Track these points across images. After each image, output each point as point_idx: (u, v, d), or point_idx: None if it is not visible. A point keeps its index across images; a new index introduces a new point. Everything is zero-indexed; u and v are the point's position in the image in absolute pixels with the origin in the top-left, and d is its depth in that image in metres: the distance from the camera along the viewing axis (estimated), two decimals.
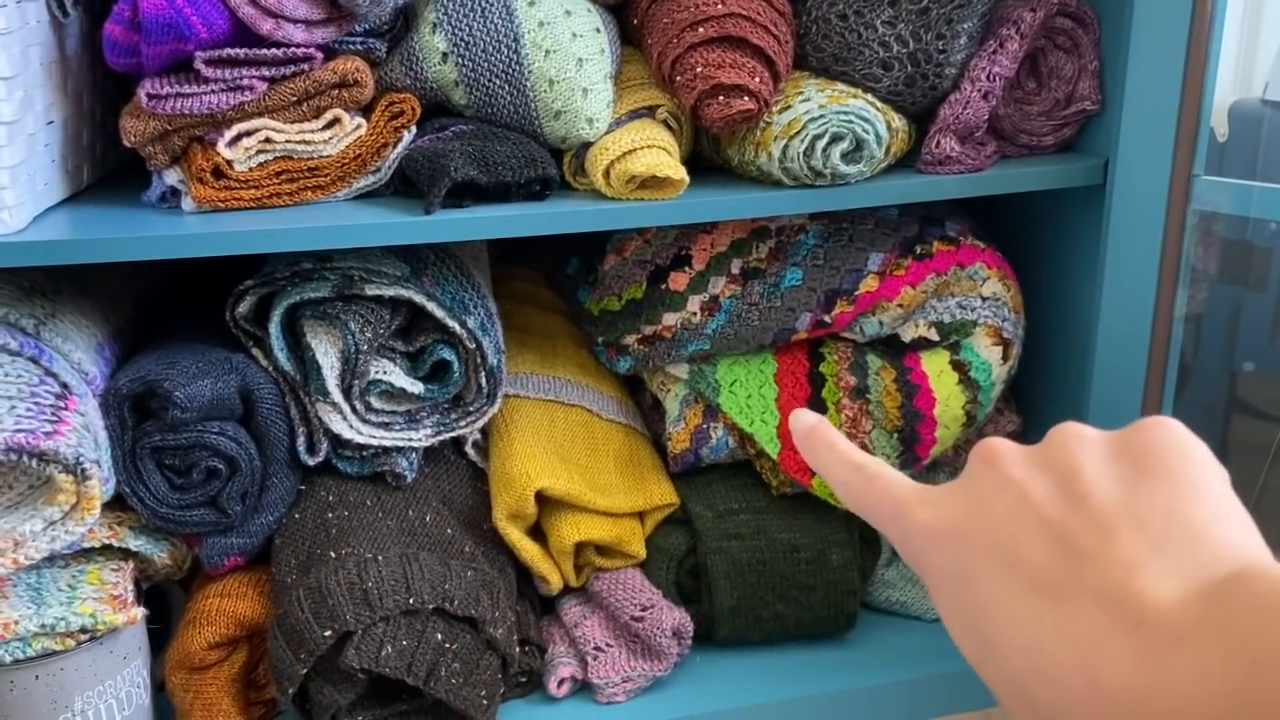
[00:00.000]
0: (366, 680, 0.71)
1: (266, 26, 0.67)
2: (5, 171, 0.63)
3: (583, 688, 0.82)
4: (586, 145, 0.76)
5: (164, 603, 0.81)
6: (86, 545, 0.72)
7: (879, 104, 0.76)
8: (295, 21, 0.68)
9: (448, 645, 0.72)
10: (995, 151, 0.81)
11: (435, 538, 0.78)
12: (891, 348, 0.86)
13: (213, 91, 0.68)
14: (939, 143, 0.78)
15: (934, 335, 0.84)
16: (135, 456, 0.72)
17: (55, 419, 0.65)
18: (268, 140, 0.70)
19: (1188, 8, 0.77)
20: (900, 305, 0.83)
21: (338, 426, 0.76)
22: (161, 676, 0.76)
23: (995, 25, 0.79)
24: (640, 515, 0.86)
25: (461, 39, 0.75)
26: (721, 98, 0.73)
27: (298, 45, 0.69)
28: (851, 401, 0.83)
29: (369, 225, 0.69)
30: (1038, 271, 0.89)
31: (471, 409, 0.80)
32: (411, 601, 0.71)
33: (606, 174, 0.73)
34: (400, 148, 0.74)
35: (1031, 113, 0.82)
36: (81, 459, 0.64)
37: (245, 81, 0.68)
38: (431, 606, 0.72)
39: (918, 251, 0.83)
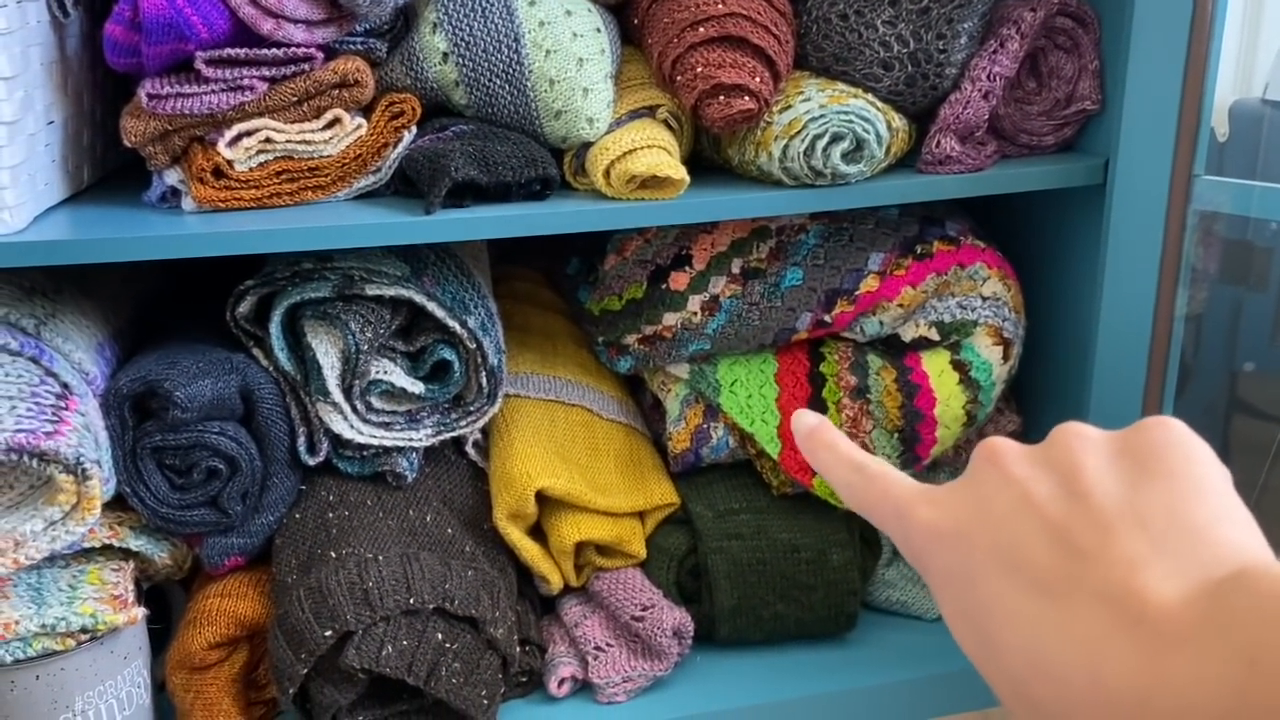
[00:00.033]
0: (367, 680, 0.71)
1: (267, 26, 0.67)
2: (6, 171, 0.63)
3: (583, 687, 0.82)
4: (587, 145, 0.76)
5: (164, 603, 0.81)
6: (87, 545, 0.72)
7: (879, 104, 0.76)
8: (296, 21, 0.68)
9: (448, 645, 0.72)
10: (995, 151, 0.81)
11: (436, 537, 0.78)
12: (892, 347, 0.86)
13: (213, 91, 0.68)
14: (939, 142, 0.78)
15: (934, 335, 0.84)
16: (136, 456, 0.72)
17: (56, 419, 0.65)
18: (268, 140, 0.70)
19: (1188, 7, 0.77)
20: (901, 305, 0.83)
21: (338, 426, 0.77)
22: (162, 676, 0.76)
23: (995, 25, 0.79)
24: (641, 515, 0.86)
25: (462, 39, 0.75)
26: (722, 97, 0.73)
27: (298, 45, 0.69)
28: (852, 401, 0.83)
29: (369, 225, 0.69)
30: (1038, 271, 0.89)
31: (472, 409, 0.80)
32: (412, 601, 0.71)
33: (607, 174, 0.73)
34: (401, 148, 0.74)
35: (1032, 112, 0.82)
36: (82, 459, 0.64)
37: (246, 81, 0.68)
38: (432, 606, 0.72)
39: (918, 251, 0.83)
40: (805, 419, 0.39)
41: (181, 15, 0.64)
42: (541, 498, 0.81)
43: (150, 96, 0.67)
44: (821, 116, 0.73)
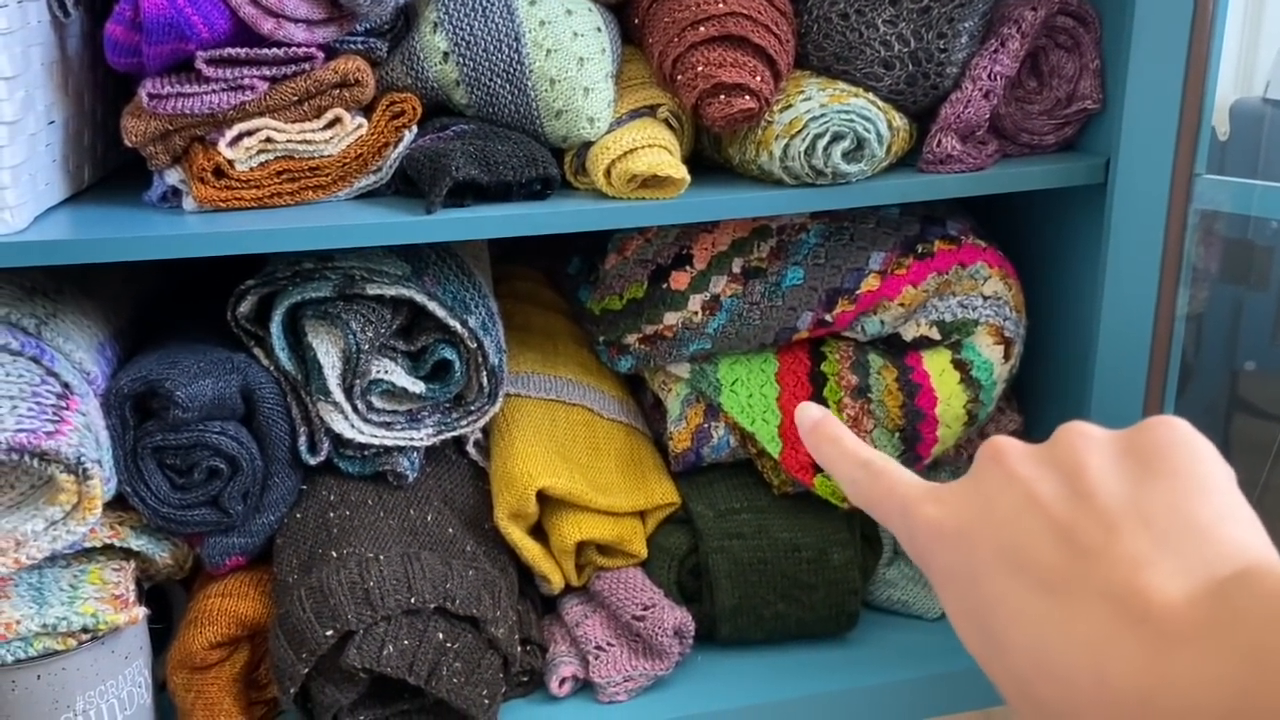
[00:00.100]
0: (368, 680, 0.71)
1: (267, 26, 0.67)
2: (7, 171, 0.63)
3: (584, 687, 0.82)
4: (587, 144, 0.76)
5: (165, 602, 0.81)
6: (88, 545, 0.72)
7: (880, 103, 0.76)
8: (296, 21, 0.68)
9: (449, 645, 0.72)
10: (996, 150, 0.81)
11: (437, 537, 0.78)
12: (893, 347, 0.86)
13: (214, 91, 0.68)
14: (940, 142, 0.78)
15: (935, 334, 0.84)
16: (137, 456, 0.72)
17: (57, 419, 0.65)
18: (269, 140, 0.70)
19: (1189, 7, 0.77)
20: (902, 304, 0.83)
21: (339, 426, 0.77)
22: (163, 676, 0.76)
23: (996, 24, 0.79)
24: (641, 514, 0.86)
25: (462, 38, 0.74)
26: (723, 97, 0.73)
27: (299, 45, 0.69)
28: (853, 400, 0.83)
29: (370, 225, 0.69)
30: (1039, 270, 0.89)
31: (473, 408, 0.80)
32: (413, 601, 0.71)
33: (608, 173, 0.73)
34: (401, 147, 0.74)
35: (1033, 111, 0.82)
36: (83, 459, 0.64)
37: (246, 81, 0.68)
38: (433, 606, 0.72)
39: (919, 250, 0.83)
40: (810, 413, 0.39)
41: (182, 15, 0.64)
42: (542, 497, 0.81)
43: (151, 96, 0.67)
44: (822, 115, 0.73)
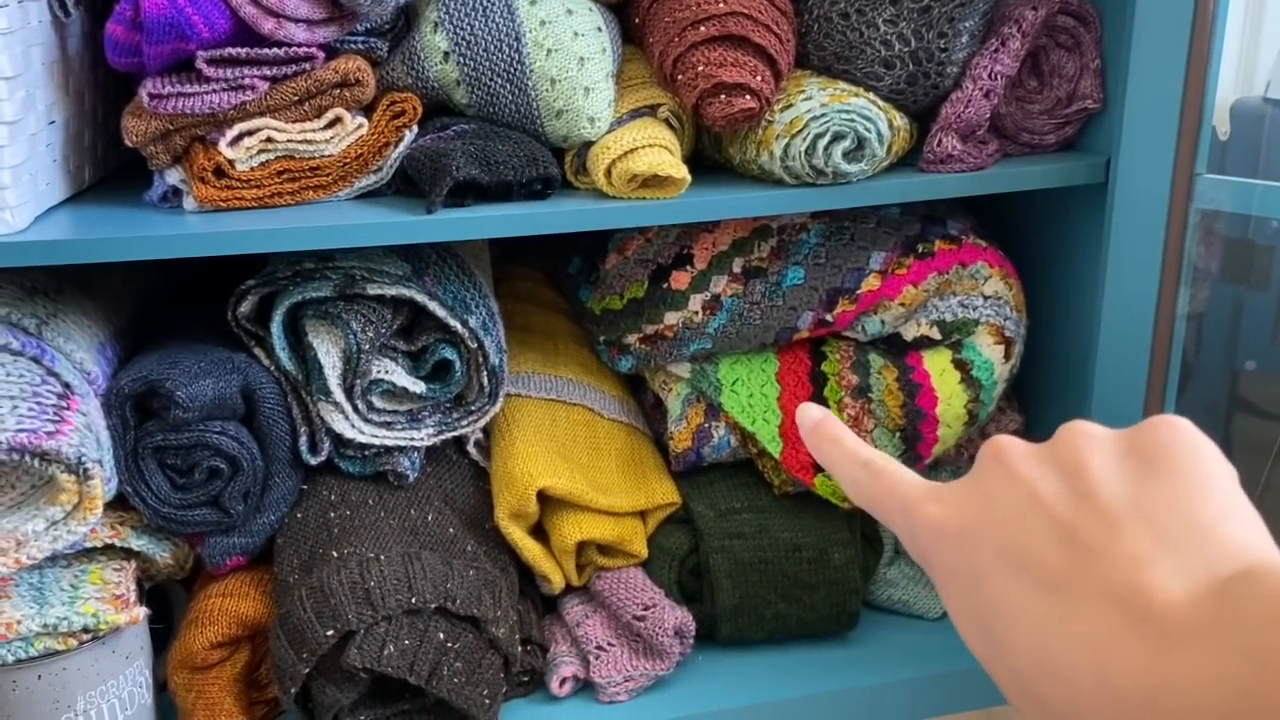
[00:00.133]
0: (369, 680, 0.71)
1: (268, 26, 0.67)
2: (7, 171, 0.63)
3: (585, 687, 0.82)
4: (588, 144, 0.76)
5: (166, 602, 0.81)
6: (89, 545, 0.72)
7: (881, 102, 0.76)
8: (297, 21, 0.68)
9: (450, 644, 0.72)
10: (997, 150, 0.81)
11: (437, 537, 0.78)
12: (893, 346, 0.86)
13: (214, 91, 0.68)
14: (941, 141, 0.78)
15: (936, 334, 0.84)
16: (137, 456, 0.72)
17: (57, 419, 0.65)
18: (269, 140, 0.70)
19: (1189, 6, 0.77)
20: (902, 304, 0.83)
21: (340, 426, 0.77)
22: (164, 676, 0.76)
23: (997, 23, 0.79)
24: (642, 514, 0.86)
25: (463, 38, 0.74)
26: (723, 96, 0.73)
27: (299, 45, 0.69)
28: (853, 400, 0.83)
29: (371, 225, 0.69)
30: (1040, 270, 0.89)
31: (473, 408, 0.80)
32: (414, 601, 0.71)
33: (608, 173, 0.73)
34: (402, 147, 0.74)
35: (1033, 111, 0.82)
36: (84, 459, 0.64)
37: (247, 81, 0.68)
38: (434, 606, 0.72)
39: (919, 250, 0.83)
40: (810, 413, 0.39)
41: (183, 15, 0.64)
42: (543, 497, 0.81)
43: (151, 96, 0.67)
44: (823, 115, 0.73)
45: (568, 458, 0.83)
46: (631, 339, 0.86)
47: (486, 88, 0.75)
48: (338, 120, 0.71)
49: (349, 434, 0.77)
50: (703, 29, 0.73)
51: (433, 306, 0.76)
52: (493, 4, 0.74)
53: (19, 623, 0.65)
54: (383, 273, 0.75)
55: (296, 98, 0.70)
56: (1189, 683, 0.24)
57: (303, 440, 0.77)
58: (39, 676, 0.66)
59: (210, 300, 0.80)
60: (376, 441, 0.78)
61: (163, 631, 0.79)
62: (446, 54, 0.75)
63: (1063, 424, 0.32)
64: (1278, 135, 1.36)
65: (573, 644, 0.83)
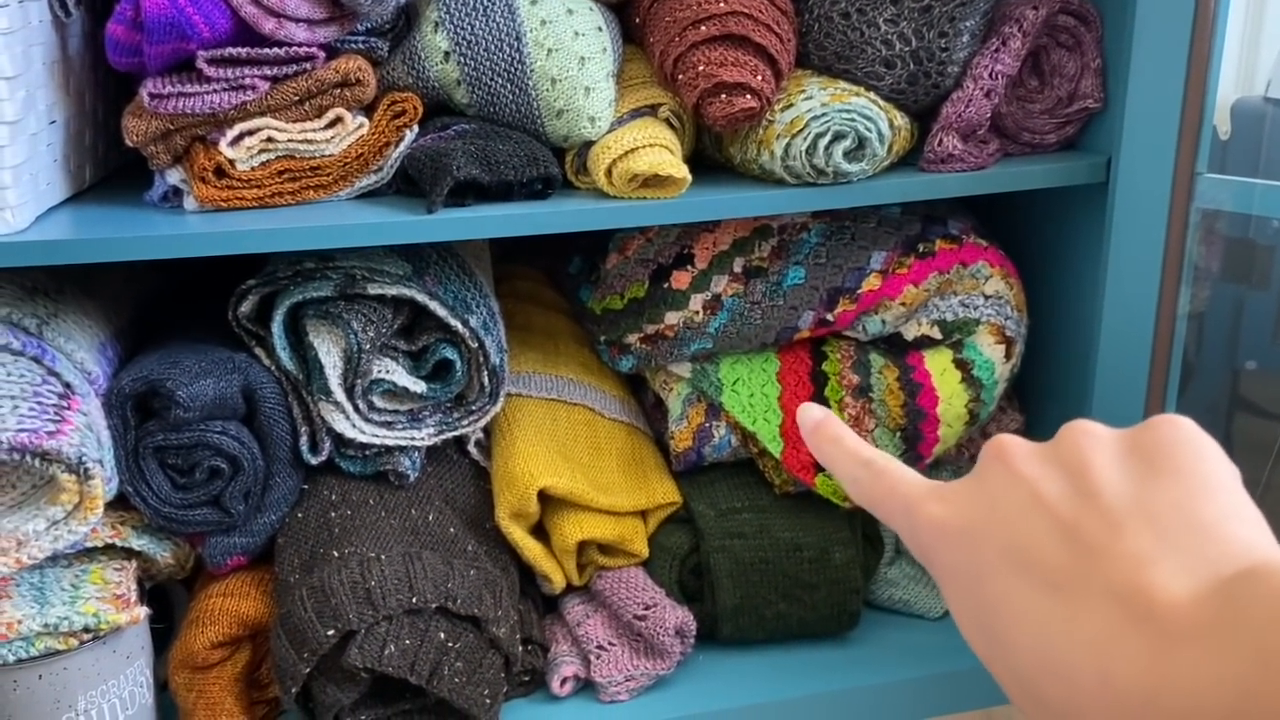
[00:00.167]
0: (369, 679, 0.71)
1: (269, 26, 0.67)
2: (8, 171, 0.63)
3: (586, 686, 0.82)
4: (589, 144, 0.76)
5: (167, 602, 0.81)
6: (89, 545, 0.72)
7: (881, 102, 0.76)
8: (297, 21, 0.68)
9: (451, 644, 0.72)
10: (998, 150, 0.81)
11: (438, 537, 0.78)
12: (894, 346, 0.86)
13: (215, 91, 0.68)
14: (941, 141, 0.78)
15: (937, 334, 0.84)
16: (138, 456, 0.72)
17: (58, 419, 0.65)
18: (270, 139, 0.70)
19: (1190, 5, 0.77)
20: (903, 304, 0.83)
21: (340, 425, 0.77)
22: (164, 676, 0.76)
23: (997, 23, 0.79)
24: (643, 514, 0.86)
25: (464, 38, 0.74)
26: (724, 96, 0.73)
27: (300, 44, 0.69)
28: (854, 400, 0.83)
29: (371, 224, 0.69)
30: (1040, 270, 0.89)
31: (474, 408, 0.80)
32: (414, 600, 0.71)
33: (609, 173, 0.73)
34: (402, 147, 0.74)
35: (1034, 110, 0.82)
36: (84, 459, 0.64)
37: (247, 81, 0.68)
38: (434, 605, 0.72)
39: (920, 250, 0.83)
40: (811, 413, 0.39)
41: (183, 14, 0.64)
42: (544, 497, 0.81)
43: (152, 96, 0.67)
44: (823, 115, 0.73)
45: (568, 457, 0.83)
46: (632, 339, 0.86)
47: (487, 87, 0.75)
48: (338, 120, 0.71)
49: (350, 434, 0.77)
50: (703, 28, 0.73)
51: (433, 306, 0.76)
52: (493, 4, 0.74)
53: (20, 622, 0.65)
54: (383, 272, 0.75)
55: (297, 97, 0.70)
56: (1191, 682, 0.24)
57: (303, 440, 0.77)
58: (40, 676, 0.66)
59: (211, 300, 0.80)
60: (377, 441, 0.78)
61: (163, 631, 0.79)
62: (447, 54, 0.75)
63: (1065, 423, 0.32)
64: (1278, 134, 1.36)
65: (573, 643, 0.83)
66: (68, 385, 0.68)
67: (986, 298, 0.84)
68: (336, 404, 0.76)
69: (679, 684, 0.83)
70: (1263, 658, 0.23)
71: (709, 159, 0.84)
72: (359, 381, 0.75)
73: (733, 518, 0.84)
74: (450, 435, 0.81)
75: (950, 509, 0.32)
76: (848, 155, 0.74)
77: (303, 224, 0.68)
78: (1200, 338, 1.38)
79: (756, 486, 0.87)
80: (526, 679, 0.81)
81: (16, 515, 0.66)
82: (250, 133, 0.69)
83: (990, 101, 0.78)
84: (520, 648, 0.77)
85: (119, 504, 0.73)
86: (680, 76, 0.74)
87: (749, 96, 0.73)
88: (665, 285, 0.84)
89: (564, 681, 0.81)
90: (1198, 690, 0.24)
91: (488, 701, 0.73)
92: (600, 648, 0.81)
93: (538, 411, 0.85)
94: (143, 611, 0.70)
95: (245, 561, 0.77)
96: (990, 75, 0.78)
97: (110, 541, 0.72)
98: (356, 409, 0.77)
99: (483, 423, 0.82)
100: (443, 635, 0.71)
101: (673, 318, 0.84)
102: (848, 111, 0.73)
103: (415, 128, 0.74)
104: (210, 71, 0.67)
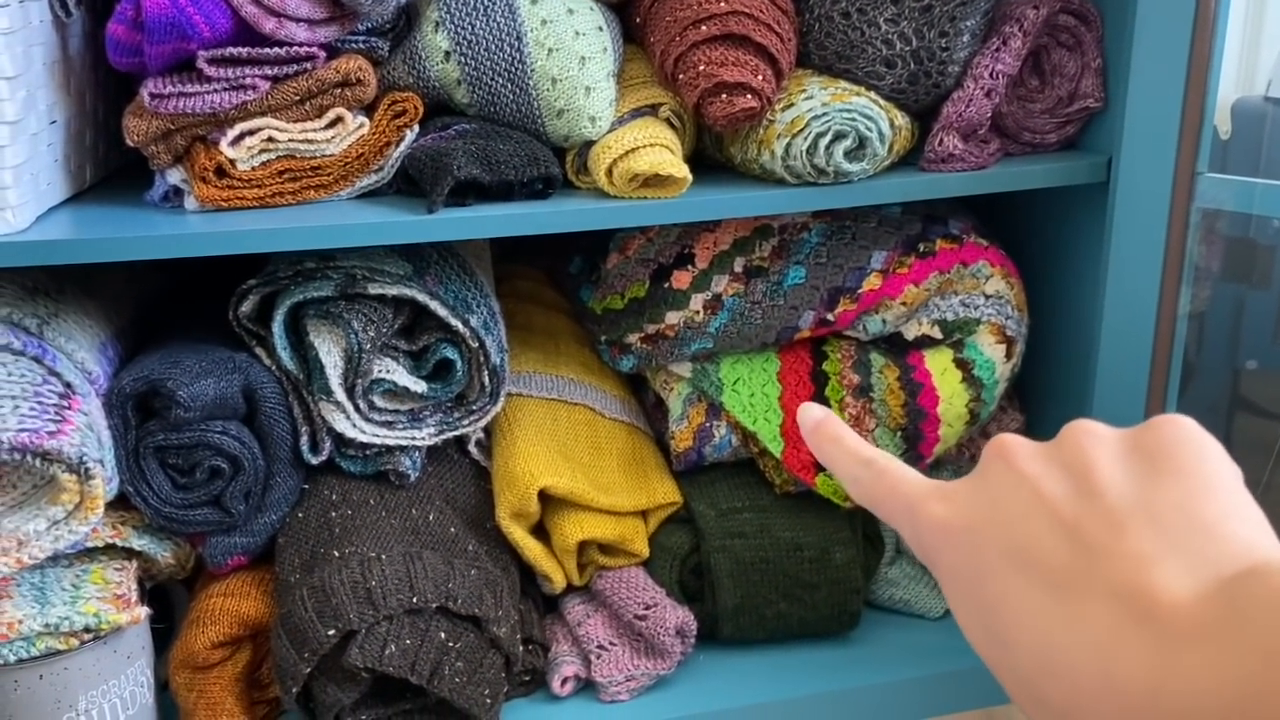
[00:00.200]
0: (370, 679, 0.71)
1: (269, 25, 0.67)
2: (8, 171, 0.63)
3: (586, 686, 0.82)
4: (589, 144, 0.76)
5: (167, 602, 0.81)
6: (90, 545, 0.72)
7: (882, 101, 0.76)
8: (298, 20, 0.68)
9: (451, 644, 0.72)
10: (998, 149, 0.81)
11: (439, 536, 0.78)
12: (895, 346, 0.86)
13: (215, 91, 0.68)
14: (942, 140, 0.78)
15: (937, 333, 0.84)
16: (139, 456, 0.72)
17: (59, 419, 0.64)
18: (270, 139, 0.70)
19: (1191, 5, 0.77)
20: (903, 303, 0.83)
21: (341, 425, 0.77)
22: (165, 676, 0.76)
23: (998, 22, 0.79)
24: (643, 514, 0.86)
25: (464, 37, 0.74)
26: (724, 96, 0.73)
27: (300, 44, 0.69)
28: (855, 400, 0.83)
29: (372, 224, 0.69)
30: (1041, 269, 0.89)
31: (474, 408, 0.80)
32: (415, 600, 0.71)
33: (609, 172, 0.73)
34: (403, 147, 0.74)
35: (1035, 110, 0.82)
36: (85, 458, 0.64)
37: (248, 80, 0.68)
38: (435, 605, 0.72)
39: (921, 249, 0.83)
40: (811, 412, 0.39)
41: (184, 14, 0.64)
42: (544, 496, 0.81)
43: (152, 96, 0.67)
44: (824, 114, 0.73)
45: (569, 457, 0.83)
46: (633, 338, 0.86)
47: (488, 87, 0.75)
48: (339, 120, 0.71)
49: (350, 433, 0.77)
50: (704, 28, 0.73)
51: (434, 306, 0.76)
52: (494, 3, 0.74)
53: (20, 622, 0.65)
54: (384, 272, 0.75)
55: (298, 97, 0.70)
56: (1193, 683, 0.24)
57: (304, 440, 0.77)
58: (40, 676, 0.66)
59: (211, 300, 0.80)
60: (378, 441, 0.78)
61: (164, 631, 0.79)
62: (448, 53, 0.75)
63: (1067, 423, 0.32)
64: (1279, 134, 1.36)
65: (574, 643, 0.83)
66: (68, 385, 0.68)
67: (987, 297, 0.84)
68: (337, 404, 0.76)
69: (680, 684, 0.83)
70: (1265, 658, 0.23)
71: (709, 159, 0.84)
72: (359, 381, 0.75)
73: (733, 517, 0.84)
74: (451, 435, 0.81)
75: (953, 509, 0.32)
76: (848, 155, 0.74)
77: (303, 224, 0.68)
78: (1201, 337, 1.38)
79: (757, 486, 0.87)
80: (527, 679, 0.81)
81: (17, 515, 0.66)
82: (251, 132, 0.69)
83: (991, 101, 0.78)
84: (521, 647, 0.77)
85: (120, 504, 0.73)
86: (681, 76, 0.74)
87: (750, 96, 0.73)
88: (666, 285, 0.84)
89: (564, 681, 0.81)
90: (1200, 690, 0.24)
91: (488, 701, 0.73)
92: (601, 647, 0.81)
93: (538, 411, 0.85)
94: (143, 611, 0.70)
95: (246, 561, 0.77)
96: (991, 75, 0.78)
97: (111, 541, 0.72)
98: (357, 409, 0.77)
99: (483, 422, 0.82)
100: (443, 635, 0.71)
101: (673, 317, 0.84)
102: (848, 111, 0.73)
103: (416, 127, 0.74)
104: (211, 71, 0.67)
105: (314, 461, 0.78)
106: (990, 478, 0.31)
